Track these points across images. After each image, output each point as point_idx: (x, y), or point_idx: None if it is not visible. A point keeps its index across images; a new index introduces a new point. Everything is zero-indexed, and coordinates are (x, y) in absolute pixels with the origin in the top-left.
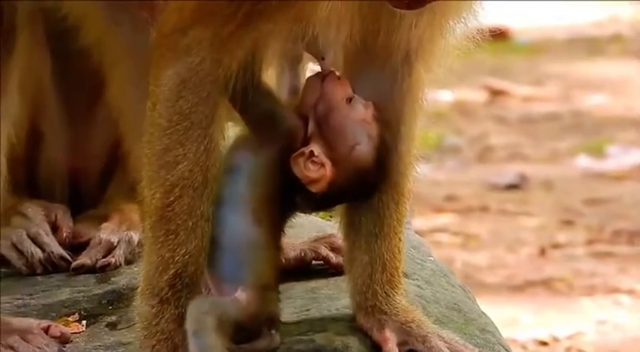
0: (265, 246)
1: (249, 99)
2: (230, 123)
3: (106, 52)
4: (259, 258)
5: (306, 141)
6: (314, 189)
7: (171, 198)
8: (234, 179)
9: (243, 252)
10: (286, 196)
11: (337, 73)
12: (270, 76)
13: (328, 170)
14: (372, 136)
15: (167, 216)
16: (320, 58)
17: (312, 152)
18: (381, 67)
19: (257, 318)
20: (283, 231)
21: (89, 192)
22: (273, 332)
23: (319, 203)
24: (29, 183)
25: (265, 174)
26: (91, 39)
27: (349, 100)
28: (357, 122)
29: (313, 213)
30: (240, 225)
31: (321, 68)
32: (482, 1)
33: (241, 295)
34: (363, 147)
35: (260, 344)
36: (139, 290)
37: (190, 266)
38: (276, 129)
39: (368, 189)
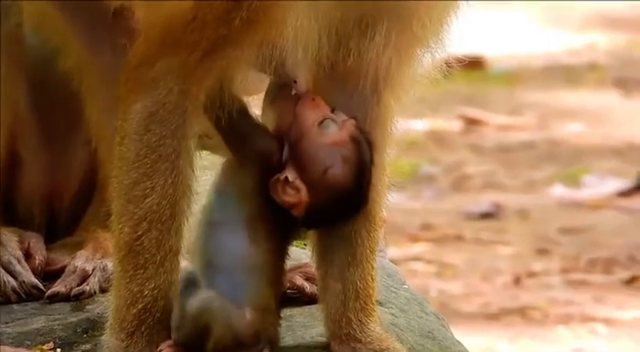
0: (264, 266)
1: (226, 119)
2: (205, 153)
3: (84, 78)
4: (258, 278)
5: (283, 166)
6: (294, 213)
7: (140, 232)
8: (224, 201)
9: (241, 272)
10: (282, 215)
11: (311, 94)
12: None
13: (304, 195)
14: (347, 158)
15: (136, 249)
16: (292, 82)
17: (286, 178)
18: (351, 94)
19: (257, 340)
20: (286, 253)
21: (65, 218)
22: None
23: (305, 225)
24: (5, 209)
25: (251, 194)
26: (70, 65)
27: (320, 123)
28: (328, 146)
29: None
30: (236, 246)
31: (296, 90)
32: (451, 31)
33: (246, 313)
34: (337, 170)
35: None
36: (108, 323)
37: (160, 300)
38: (250, 150)
39: (353, 208)
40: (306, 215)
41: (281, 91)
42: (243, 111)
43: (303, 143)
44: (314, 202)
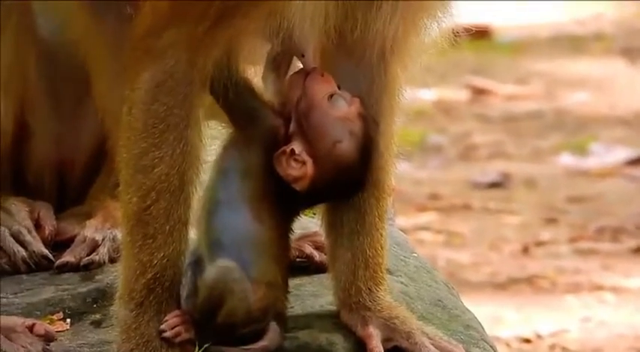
0: (269, 243)
1: (231, 96)
2: (214, 123)
3: (90, 47)
4: (263, 255)
5: (288, 139)
6: (297, 187)
7: (148, 202)
8: (228, 179)
9: (246, 249)
10: (285, 193)
11: (320, 70)
12: (255, 74)
13: (310, 168)
14: (355, 133)
15: (144, 219)
16: (300, 55)
17: (293, 150)
18: (358, 64)
19: (264, 315)
20: (290, 229)
21: (74, 188)
22: (278, 329)
23: (305, 201)
24: (15, 179)
25: (255, 171)
26: (76, 34)
27: (330, 97)
28: (338, 119)
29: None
30: (240, 223)
31: (304, 65)
32: (458, 0)
33: (257, 289)
34: (345, 145)
35: (261, 345)
36: (117, 294)
37: (169, 269)
38: (257, 127)
39: (354, 186)
40: (308, 190)
41: (282, 63)
42: (248, 87)
43: (313, 116)
44: (318, 176)
